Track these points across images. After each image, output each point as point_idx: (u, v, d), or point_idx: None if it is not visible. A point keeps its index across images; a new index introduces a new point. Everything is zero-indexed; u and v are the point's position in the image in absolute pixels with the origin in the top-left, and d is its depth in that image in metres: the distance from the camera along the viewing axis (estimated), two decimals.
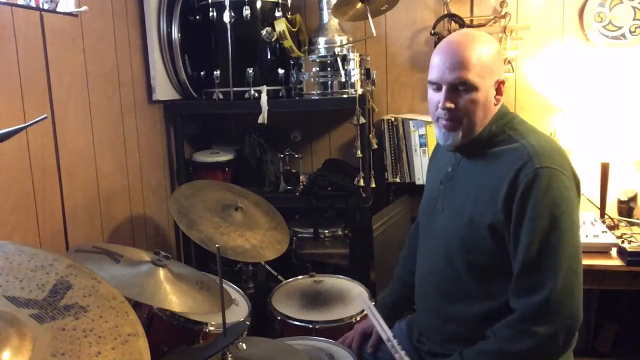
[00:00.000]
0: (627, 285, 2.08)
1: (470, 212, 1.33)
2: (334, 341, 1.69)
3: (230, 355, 1.28)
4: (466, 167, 1.41)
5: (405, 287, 1.67)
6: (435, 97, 1.36)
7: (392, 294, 1.73)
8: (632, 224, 2.38)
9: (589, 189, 2.43)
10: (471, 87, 1.30)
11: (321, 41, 2.41)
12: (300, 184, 2.53)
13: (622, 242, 2.14)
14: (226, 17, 2.32)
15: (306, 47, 2.52)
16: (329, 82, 2.32)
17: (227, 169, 2.59)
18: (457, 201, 1.39)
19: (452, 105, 1.32)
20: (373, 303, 1.68)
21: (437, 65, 1.34)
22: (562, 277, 1.20)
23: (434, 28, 2.57)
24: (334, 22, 2.43)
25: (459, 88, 1.31)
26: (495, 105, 1.35)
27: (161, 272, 1.49)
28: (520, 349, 1.23)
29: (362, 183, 2.29)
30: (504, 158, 1.30)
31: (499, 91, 1.35)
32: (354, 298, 2.00)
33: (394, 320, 1.68)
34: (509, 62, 2.51)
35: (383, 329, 1.50)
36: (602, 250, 2.12)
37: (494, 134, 1.35)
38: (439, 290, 1.43)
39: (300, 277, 2.17)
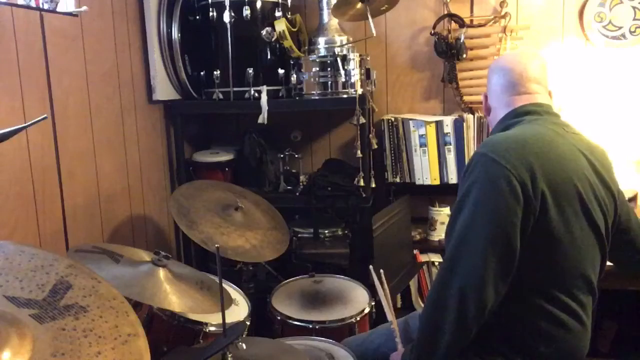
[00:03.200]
0: (627, 285, 2.08)
1: None
2: (333, 341, 1.69)
3: (230, 355, 1.29)
4: None
5: None
6: None
7: None
8: None
9: None
10: None
11: (321, 41, 2.41)
12: (300, 184, 2.53)
13: None
14: (226, 17, 2.32)
15: (306, 47, 2.52)
16: (329, 82, 2.32)
17: (227, 169, 2.59)
18: None
19: None
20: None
21: None
22: (450, 258, 1.26)
23: (434, 28, 2.57)
24: (334, 22, 2.43)
25: None
26: (486, 115, 1.58)
27: (161, 272, 1.49)
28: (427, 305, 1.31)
29: (362, 183, 2.29)
30: None
31: (484, 103, 1.60)
32: (354, 298, 2.00)
33: None
34: None
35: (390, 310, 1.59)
36: None
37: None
38: None
39: (300, 277, 2.17)
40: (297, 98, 2.41)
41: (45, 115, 1.21)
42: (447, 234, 1.31)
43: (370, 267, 1.76)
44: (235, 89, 2.39)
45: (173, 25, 2.36)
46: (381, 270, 1.75)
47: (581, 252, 1.31)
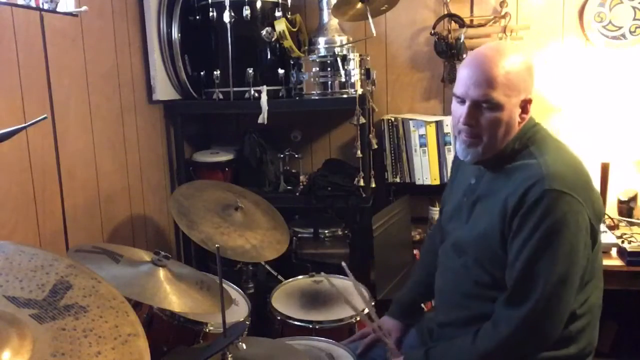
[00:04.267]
0: (627, 285, 2.08)
1: (484, 225, 1.34)
2: (334, 341, 1.69)
3: (230, 355, 1.28)
4: (488, 180, 1.39)
5: (424, 285, 1.68)
6: (459, 111, 1.34)
7: (411, 291, 1.73)
8: (632, 224, 2.38)
9: None
10: (495, 106, 1.28)
11: (321, 41, 2.41)
12: (300, 184, 2.53)
13: (622, 242, 2.15)
14: (226, 17, 2.32)
15: (306, 47, 2.52)
16: (329, 82, 2.32)
17: (227, 169, 2.59)
18: (476, 214, 1.39)
19: (473, 122, 1.31)
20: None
21: (463, 78, 1.32)
22: (542, 300, 1.23)
23: (434, 28, 2.57)
24: (334, 22, 2.43)
25: (483, 105, 1.30)
26: (520, 123, 1.34)
27: (161, 272, 1.49)
28: (490, 354, 1.29)
29: (362, 183, 2.29)
30: (520, 173, 1.30)
31: (524, 110, 1.33)
32: (354, 298, 1.99)
33: (414, 317, 1.69)
34: None
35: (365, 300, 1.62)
36: (603, 250, 2.10)
37: (516, 150, 1.35)
38: (458, 304, 1.43)
39: (300, 277, 2.17)
40: (297, 98, 2.40)
41: (45, 115, 1.21)
42: (528, 268, 1.24)
43: (343, 263, 1.76)
44: (235, 89, 2.39)
45: (173, 25, 2.36)
46: (343, 263, 1.76)
47: (600, 264, 1.37)
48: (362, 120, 2.25)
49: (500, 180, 1.35)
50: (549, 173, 1.24)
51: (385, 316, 1.72)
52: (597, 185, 2.36)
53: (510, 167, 1.34)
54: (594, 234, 1.28)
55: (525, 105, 1.33)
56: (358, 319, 1.86)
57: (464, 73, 1.33)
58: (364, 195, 2.33)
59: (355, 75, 2.34)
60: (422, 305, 1.77)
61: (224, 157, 2.61)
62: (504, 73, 1.27)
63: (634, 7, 2.40)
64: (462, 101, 1.33)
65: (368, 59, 2.45)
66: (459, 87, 1.33)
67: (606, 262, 2.07)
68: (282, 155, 2.54)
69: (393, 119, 2.53)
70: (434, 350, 1.39)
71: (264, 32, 2.34)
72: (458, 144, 1.39)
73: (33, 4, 1.65)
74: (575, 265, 1.24)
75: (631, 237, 2.20)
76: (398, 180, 2.55)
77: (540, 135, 1.36)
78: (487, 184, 1.39)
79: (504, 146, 1.34)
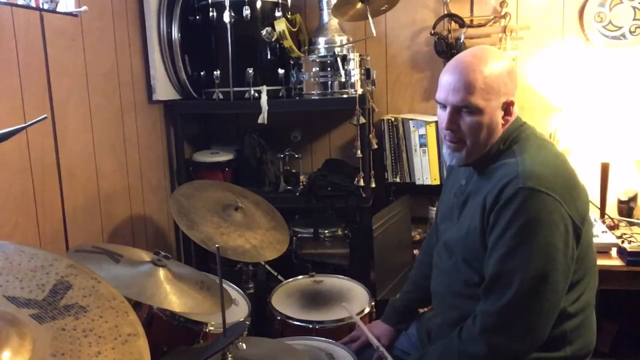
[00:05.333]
0: (627, 285, 2.08)
1: (467, 224, 1.35)
2: (334, 341, 1.69)
3: (230, 355, 1.28)
4: (475, 180, 1.41)
5: (419, 290, 1.69)
6: (442, 116, 1.37)
7: (405, 296, 1.74)
8: (632, 224, 2.38)
9: (589, 189, 2.41)
10: (475, 110, 1.30)
11: (321, 41, 2.42)
12: (300, 184, 2.53)
13: (622, 242, 2.15)
14: (226, 17, 2.32)
15: (306, 47, 2.52)
16: (329, 82, 2.33)
17: (227, 169, 2.59)
18: (463, 214, 1.41)
19: (455, 127, 1.34)
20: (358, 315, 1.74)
21: (443, 85, 1.35)
22: (519, 296, 1.22)
23: (434, 28, 2.57)
24: (334, 22, 2.43)
25: (463, 110, 1.32)
26: (503, 125, 1.35)
27: (161, 272, 1.49)
28: (474, 353, 1.28)
29: (362, 183, 2.29)
30: (499, 172, 1.31)
31: (507, 112, 1.34)
32: (354, 298, 2.00)
33: (406, 322, 1.70)
34: None
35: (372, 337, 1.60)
36: (602, 250, 2.12)
37: (501, 150, 1.36)
38: (451, 304, 1.44)
39: (300, 277, 2.17)
40: (297, 98, 2.41)
41: (45, 116, 1.21)
42: (502, 263, 1.24)
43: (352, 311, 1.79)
44: (235, 89, 2.39)
45: (173, 25, 2.36)
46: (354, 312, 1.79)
47: (593, 262, 1.37)
48: (362, 120, 2.25)
49: (484, 180, 1.36)
50: (525, 171, 1.26)
51: (378, 321, 1.73)
52: (597, 185, 2.39)
53: (493, 167, 1.35)
54: (578, 233, 1.27)
55: (507, 108, 1.34)
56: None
57: (444, 79, 1.35)
58: (364, 195, 2.33)
59: (355, 75, 2.34)
60: (419, 309, 1.76)
61: (224, 157, 2.61)
62: (482, 78, 1.29)
63: (634, 7, 2.40)
64: (444, 107, 1.36)
65: (368, 59, 2.45)
66: (439, 94, 1.36)
67: (606, 262, 2.07)
68: (282, 155, 2.54)
69: (393, 119, 2.53)
70: (429, 349, 1.41)
71: (264, 32, 2.34)
72: (444, 148, 1.42)
73: (33, 4, 1.65)
74: (554, 263, 1.22)
75: (631, 237, 2.20)
76: (398, 180, 2.55)
77: (525, 135, 1.37)
78: (473, 185, 1.41)
79: (489, 148, 1.35)
